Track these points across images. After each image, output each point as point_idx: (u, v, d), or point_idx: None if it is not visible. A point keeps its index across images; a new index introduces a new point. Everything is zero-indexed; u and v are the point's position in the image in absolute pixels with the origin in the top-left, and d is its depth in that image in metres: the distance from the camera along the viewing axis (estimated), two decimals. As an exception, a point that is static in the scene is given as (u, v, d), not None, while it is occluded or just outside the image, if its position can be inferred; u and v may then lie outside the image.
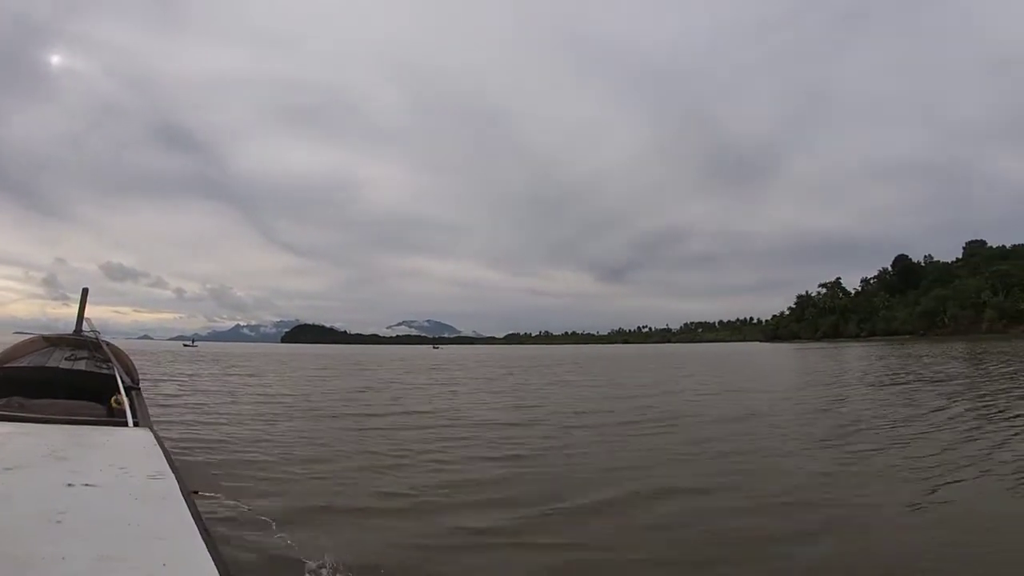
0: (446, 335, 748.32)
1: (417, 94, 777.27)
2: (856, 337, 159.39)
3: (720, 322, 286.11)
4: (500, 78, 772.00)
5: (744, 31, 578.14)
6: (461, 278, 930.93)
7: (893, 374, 29.95)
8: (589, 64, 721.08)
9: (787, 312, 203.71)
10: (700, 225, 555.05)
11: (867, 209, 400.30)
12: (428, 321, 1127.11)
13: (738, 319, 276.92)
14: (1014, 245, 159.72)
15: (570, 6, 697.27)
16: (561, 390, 26.72)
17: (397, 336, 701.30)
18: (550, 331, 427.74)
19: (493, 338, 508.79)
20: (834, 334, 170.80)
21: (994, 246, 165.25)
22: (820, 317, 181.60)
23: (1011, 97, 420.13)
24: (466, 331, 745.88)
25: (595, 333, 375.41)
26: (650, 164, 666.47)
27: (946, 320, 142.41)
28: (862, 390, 22.87)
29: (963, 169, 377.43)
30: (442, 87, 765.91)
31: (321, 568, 5.31)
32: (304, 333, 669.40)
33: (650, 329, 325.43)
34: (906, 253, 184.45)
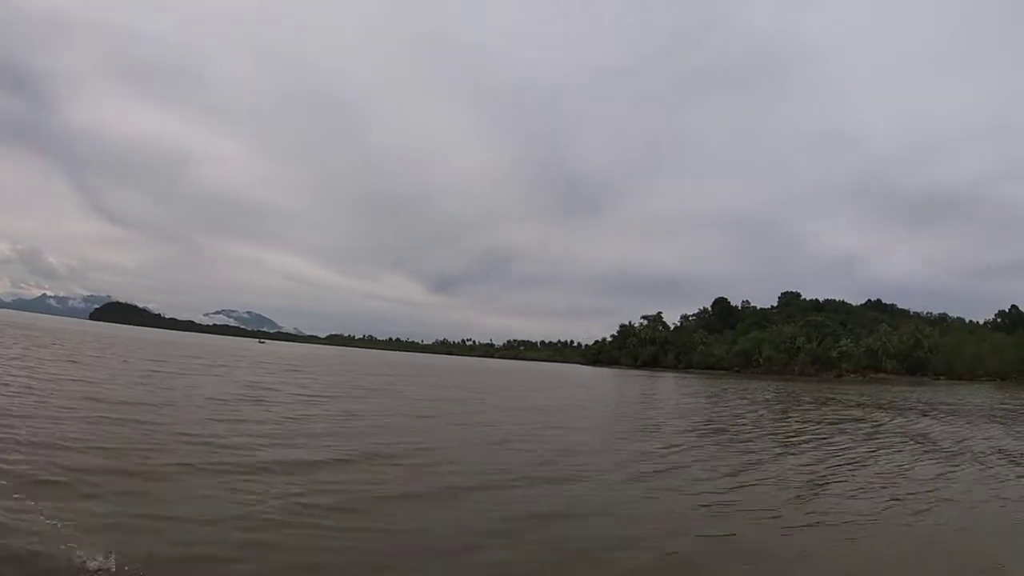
0: (266, 329, 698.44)
1: (273, 75, 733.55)
2: (674, 368, 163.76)
3: (542, 342, 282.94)
4: (361, 75, 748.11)
5: (601, 73, 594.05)
6: (289, 271, 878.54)
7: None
8: (451, 76, 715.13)
9: (610, 339, 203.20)
10: (533, 248, 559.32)
11: (691, 252, 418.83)
12: (249, 313, 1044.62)
13: (559, 341, 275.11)
14: (826, 299, 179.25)
15: (441, 14, 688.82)
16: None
17: (215, 325, 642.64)
18: (375, 335, 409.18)
19: (315, 337, 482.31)
20: (653, 363, 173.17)
21: (807, 298, 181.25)
22: (641, 346, 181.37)
23: (825, 172, 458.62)
24: (287, 327, 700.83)
25: (419, 342, 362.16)
26: (494, 183, 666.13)
27: (761, 360, 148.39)
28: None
29: (779, 228, 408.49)
30: (300, 72, 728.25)
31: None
32: (115, 312, 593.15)
33: (474, 343, 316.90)
34: (725, 296, 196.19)
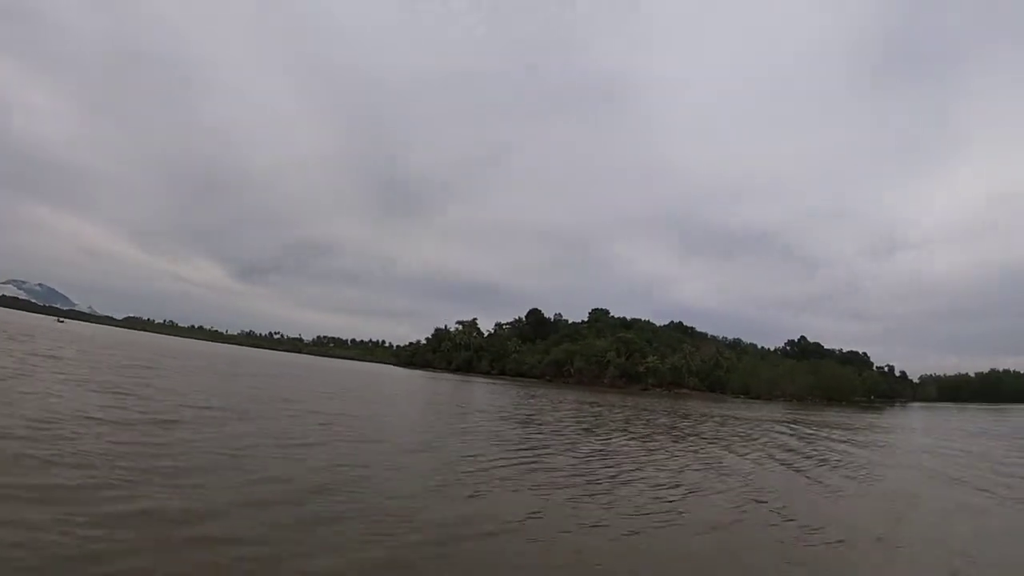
0: (59, 305, 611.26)
1: (107, 25, 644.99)
2: (487, 374, 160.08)
3: (352, 340, 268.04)
4: (200, 41, 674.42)
5: (445, 79, 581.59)
6: (88, 242, 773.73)
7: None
8: (291, 57, 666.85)
9: (424, 342, 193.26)
10: (352, 243, 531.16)
11: (509, 263, 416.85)
12: (40, 286, 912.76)
13: (370, 340, 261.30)
14: (633, 318, 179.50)
15: None
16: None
17: (3, 296, 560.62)
18: (176, 321, 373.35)
19: (111, 318, 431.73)
20: (467, 368, 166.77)
21: (615, 316, 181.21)
22: (455, 351, 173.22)
23: (642, 201, 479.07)
24: (82, 305, 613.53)
25: (224, 331, 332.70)
26: (320, 173, 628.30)
27: (573, 371, 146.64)
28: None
29: (594, 248, 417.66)
30: (134, 27, 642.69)
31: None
32: None
33: (282, 336, 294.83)
34: (539, 308, 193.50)
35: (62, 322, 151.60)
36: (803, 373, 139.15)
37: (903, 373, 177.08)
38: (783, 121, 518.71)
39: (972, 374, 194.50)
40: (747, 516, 12.46)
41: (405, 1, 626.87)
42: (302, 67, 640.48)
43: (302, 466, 12.90)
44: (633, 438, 27.30)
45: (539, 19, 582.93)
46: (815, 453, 25.91)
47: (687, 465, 18.92)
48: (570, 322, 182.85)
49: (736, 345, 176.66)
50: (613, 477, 15.84)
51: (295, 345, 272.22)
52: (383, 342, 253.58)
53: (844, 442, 32.64)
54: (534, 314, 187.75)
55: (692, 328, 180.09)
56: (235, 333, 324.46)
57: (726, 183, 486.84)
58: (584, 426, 31.89)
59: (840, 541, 10.88)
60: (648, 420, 40.34)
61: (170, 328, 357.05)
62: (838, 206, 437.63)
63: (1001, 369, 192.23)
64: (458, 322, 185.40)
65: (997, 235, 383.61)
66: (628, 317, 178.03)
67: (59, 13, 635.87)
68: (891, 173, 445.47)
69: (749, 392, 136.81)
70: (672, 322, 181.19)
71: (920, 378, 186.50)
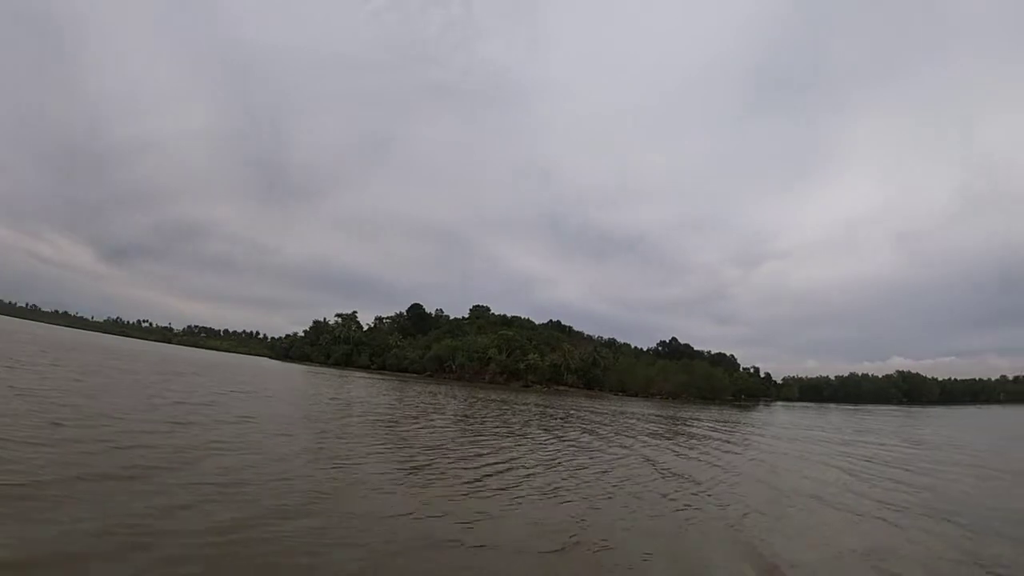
0: None
1: None
2: (367, 368, 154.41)
3: (225, 331, 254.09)
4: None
5: (335, 62, 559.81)
6: None
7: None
8: (176, 25, 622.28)
9: (302, 334, 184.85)
10: (229, 227, 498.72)
11: (390, 256, 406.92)
12: None
13: (244, 331, 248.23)
14: (513, 316, 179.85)
15: None
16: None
17: None
18: (39, 306, 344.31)
19: None
20: (346, 362, 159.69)
21: (495, 313, 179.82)
22: (334, 344, 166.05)
23: (523, 201, 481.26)
24: None
25: (90, 318, 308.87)
26: (203, 152, 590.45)
27: (454, 367, 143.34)
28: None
29: (475, 245, 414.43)
30: None
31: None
32: None
33: (151, 325, 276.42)
34: (419, 303, 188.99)
35: None
36: (677, 372, 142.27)
37: (768, 374, 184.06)
38: (663, 134, 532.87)
39: (832, 377, 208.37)
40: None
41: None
42: (183, 37, 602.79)
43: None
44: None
45: (435, 12, 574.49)
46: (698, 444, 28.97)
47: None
48: (452, 318, 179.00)
49: (611, 344, 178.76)
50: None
51: (164, 335, 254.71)
52: (257, 333, 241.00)
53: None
54: (415, 309, 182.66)
55: (570, 327, 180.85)
56: (101, 320, 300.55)
57: (604, 188, 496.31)
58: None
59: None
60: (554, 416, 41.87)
61: (33, 313, 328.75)
62: (709, 216, 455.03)
63: (860, 373, 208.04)
64: (337, 315, 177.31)
65: (854, 252, 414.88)
66: (508, 315, 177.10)
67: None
68: (762, 189, 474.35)
69: (626, 390, 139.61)
70: (551, 321, 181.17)
71: (783, 379, 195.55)
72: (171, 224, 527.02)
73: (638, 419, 46.29)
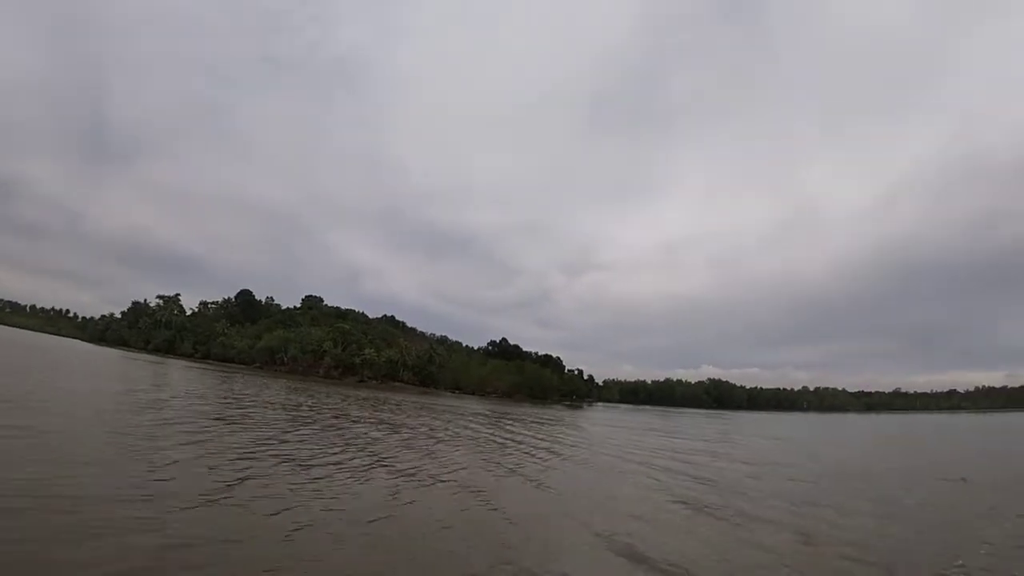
0: None
1: None
2: (191, 356, 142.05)
3: (32, 307, 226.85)
4: None
5: (166, 23, 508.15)
6: None
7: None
8: None
9: (119, 316, 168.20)
10: (36, 187, 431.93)
11: (215, 235, 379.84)
12: None
13: (53, 308, 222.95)
14: (348, 308, 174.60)
15: None
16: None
17: None
18: None
19: None
20: (168, 349, 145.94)
21: (329, 305, 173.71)
22: (155, 329, 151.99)
23: (362, 192, 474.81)
24: None
25: None
26: (12, 95, 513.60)
27: (286, 359, 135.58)
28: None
29: (307, 232, 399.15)
30: None
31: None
32: None
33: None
34: (247, 288, 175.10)
35: None
36: (510, 372, 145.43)
37: (591, 376, 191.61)
38: (507, 143, 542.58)
39: (649, 381, 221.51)
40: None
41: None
42: None
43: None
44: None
45: None
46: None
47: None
48: (283, 308, 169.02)
49: (443, 342, 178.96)
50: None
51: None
52: (68, 312, 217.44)
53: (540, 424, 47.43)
54: (244, 295, 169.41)
55: (403, 323, 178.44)
56: None
57: (444, 187, 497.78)
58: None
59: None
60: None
61: None
62: (542, 224, 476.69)
63: (675, 379, 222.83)
64: (159, 296, 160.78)
65: (672, 270, 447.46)
66: (342, 307, 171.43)
67: None
68: (593, 205, 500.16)
69: (461, 388, 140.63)
70: (385, 315, 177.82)
71: (604, 381, 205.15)
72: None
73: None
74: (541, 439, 34.84)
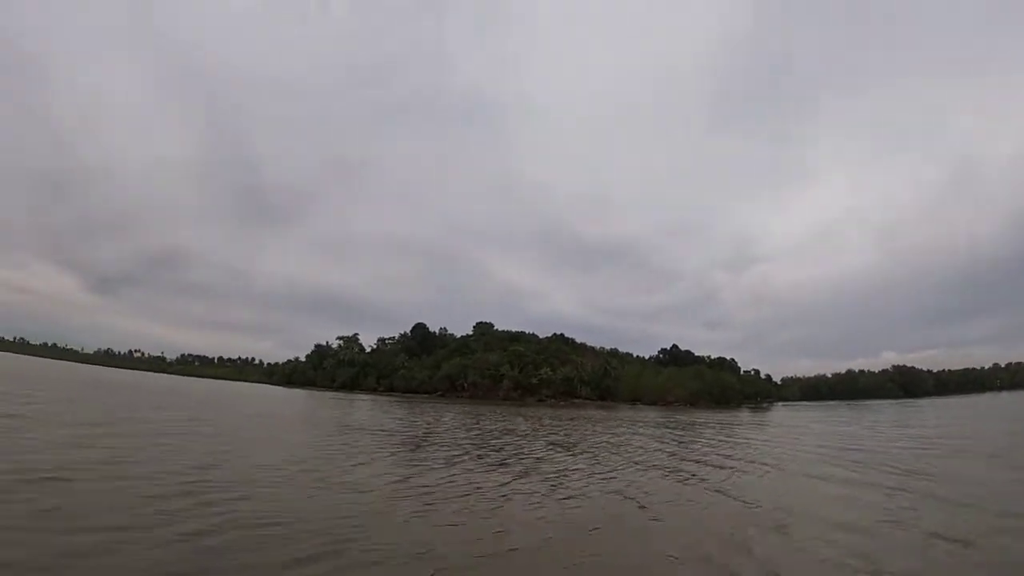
0: None
1: None
2: (375, 390, 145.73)
3: (220, 358, 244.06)
4: (44, 18, 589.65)
5: (304, 88, 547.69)
6: None
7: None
8: (144, 48, 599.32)
9: (302, 359, 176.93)
10: (209, 254, 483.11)
11: (376, 276, 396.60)
12: None
13: (239, 358, 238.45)
14: (518, 331, 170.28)
15: None
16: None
17: None
18: (27, 339, 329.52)
19: None
20: (352, 386, 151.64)
21: (500, 329, 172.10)
22: (339, 368, 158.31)
23: (510, 215, 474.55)
24: None
25: (80, 350, 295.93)
26: (175, 175, 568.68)
27: (466, 385, 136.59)
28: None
29: (465, 261, 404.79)
30: None
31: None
32: None
33: (143, 355, 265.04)
34: (422, 322, 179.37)
35: None
36: (688, 379, 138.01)
37: (768, 376, 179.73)
38: (638, 144, 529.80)
39: (829, 375, 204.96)
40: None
41: (283, 7, 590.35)
42: (154, 60, 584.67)
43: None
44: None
45: (407, 31, 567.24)
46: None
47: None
48: (457, 336, 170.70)
49: (615, 354, 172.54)
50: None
51: (158, 364, 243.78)
52: (253, 359, 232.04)
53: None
54: (419, 328, 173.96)
55: (573, 340, 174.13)
56: (92, 351, 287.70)
57: (585, 199, 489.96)
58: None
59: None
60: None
61: (20, 346, 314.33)
62: (691, 222, 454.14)
63: (857, 370, 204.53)
64: (338, 337, 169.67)
65: (834, 252, 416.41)
66: (512, 330, 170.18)
67: None
68: (744, 194, 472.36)
69: (639, 399, 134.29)
70: (555, 334, 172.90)
71: (782, 380, 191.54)
72: (154, 250, 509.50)
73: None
74: (761, 444, 30.40)
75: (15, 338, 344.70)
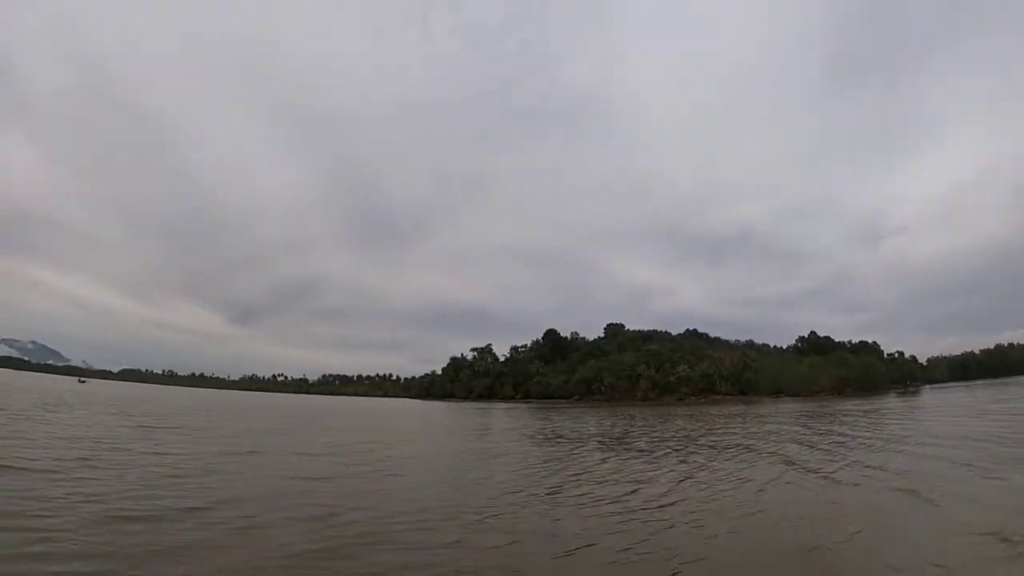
0: (52, 362, 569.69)
1: (79, 77, 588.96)
2: (512, 398, 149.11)
3: (359, 376, 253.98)
4: (167, 84, 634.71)
5: (414, 111, 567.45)
6: (79, 297, 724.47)
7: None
8: (262, 95, 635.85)
9: (439, 372, 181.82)
10: (338, 279, 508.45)
11: (499, 286, 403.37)
12: (33, 343, 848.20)
13: (377, 375, 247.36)
14: (650, 330, 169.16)
15: (252, 37, 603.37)
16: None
17: None
18: (175, 371, 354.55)
19: (108, 372, 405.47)
20: (489, 395, 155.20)
21: (631, 329, 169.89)
22: (475, 378, 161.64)
23: (627, 212, 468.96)
24: (75, 359, 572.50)
25: (226, 377, 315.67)
26: (300, 210, 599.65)
27: (603, 388, 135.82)
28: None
29: (585, 264, 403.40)
30: (106, 75, 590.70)
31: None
32: None
33: (286, 378, 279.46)
34: (553, 328, 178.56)
35: (84, 382, 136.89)
36: (832, 366, 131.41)
37: (913, 357, 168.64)
38: (754, 122, 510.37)
39: (977, 351, 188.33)
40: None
41: (371, 30, 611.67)
42: (270, 107, 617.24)
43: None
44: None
45: (511, 43, 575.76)
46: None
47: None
48: (589, 340, 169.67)
49: (752, 346, 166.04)
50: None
51: (301, 386, 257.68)
52: (389, 375, 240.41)
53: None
54: (551, 335, 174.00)
55: (706, 334, 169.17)
56: (237, 378, 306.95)
57: (701, 189, 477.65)
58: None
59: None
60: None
61: (170, 378, 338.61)
62: (815, 200, 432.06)
63: (1006, 344, 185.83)
64: (472, 349, 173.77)
65: (972, 215, 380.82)
66: (644, 329, 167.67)
67: (14, 63, 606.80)
68: (867, 163, 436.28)
69: (781, 391, 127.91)
70: (687, 330, 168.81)
71: (928, 360, 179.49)
72: (287, 281, 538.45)
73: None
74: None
75: (163, 371, 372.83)
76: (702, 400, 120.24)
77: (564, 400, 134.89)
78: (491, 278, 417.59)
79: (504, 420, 52.75)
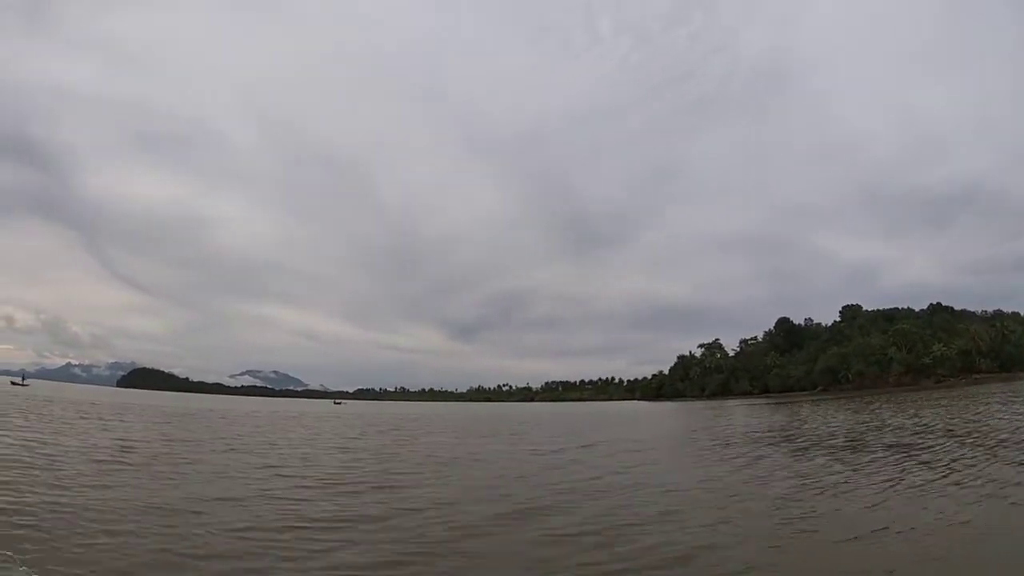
0: (292, 387, 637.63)
1: (274, 137, 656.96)
2: (748, 394, 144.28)
3: (582, 381, 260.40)
4: (355, 129, 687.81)
5: (606, 110, 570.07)
6: (309, 329, 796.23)
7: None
8: (445, 124, 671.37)
9: (667, 372, 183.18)
10: (547, 288, 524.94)
11: (710, 278, 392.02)
12: (275, 372, 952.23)
13: (600, 379, 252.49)
14: (891, 308, 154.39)
15: (425, 69, 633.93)
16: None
17: (242, 387, 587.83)
18: (406, 387, 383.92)
19: (344, 392, 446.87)
20: (723, 392, 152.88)
21: (868, 309, 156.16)
22: (706, 376, 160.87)
23: (831, 182, 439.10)
24: (313, 384, 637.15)
25: (453, 391, 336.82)
26: (505, 228, 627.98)
27: (851, 376, 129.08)
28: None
29: (794, 246, 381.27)
30: (299, 133, 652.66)
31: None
32: (143, 378, 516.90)
33: (511, 387, 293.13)
34: (785, 316, 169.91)
35: (339, 403, 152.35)
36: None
37: None
38: (963, 62, 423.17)
39: None
40: None
41: (535, 41, 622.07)
42: (462, 128, 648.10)
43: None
44: None
45: (685, 29, 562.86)
46: None
47: None
48: (825, 325, 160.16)
49: (1004, 317, 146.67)
50: None
51: (527, 394, 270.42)
52: (612, 379, 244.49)
53: None
54: (783, 323, 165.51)
55: (951, 307, 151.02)
56: (465, 391, 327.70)
57: (914, 145, 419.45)
58: None
59: None
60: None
61: (402, 395, 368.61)
62: None
63: None
64: (700, 345, 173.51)
65: None
66: (881, 308, 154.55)
67: (231, 138, 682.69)
68: None
69: None
70: (932, 304, 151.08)
71: None
72: (500, 295, 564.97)
73: None
74: None
75: (396, 388, 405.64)
76: (962, 380, 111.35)
77: (806, 392, 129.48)
78: (699, 271, 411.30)
79: (794, 417, 46.32)
